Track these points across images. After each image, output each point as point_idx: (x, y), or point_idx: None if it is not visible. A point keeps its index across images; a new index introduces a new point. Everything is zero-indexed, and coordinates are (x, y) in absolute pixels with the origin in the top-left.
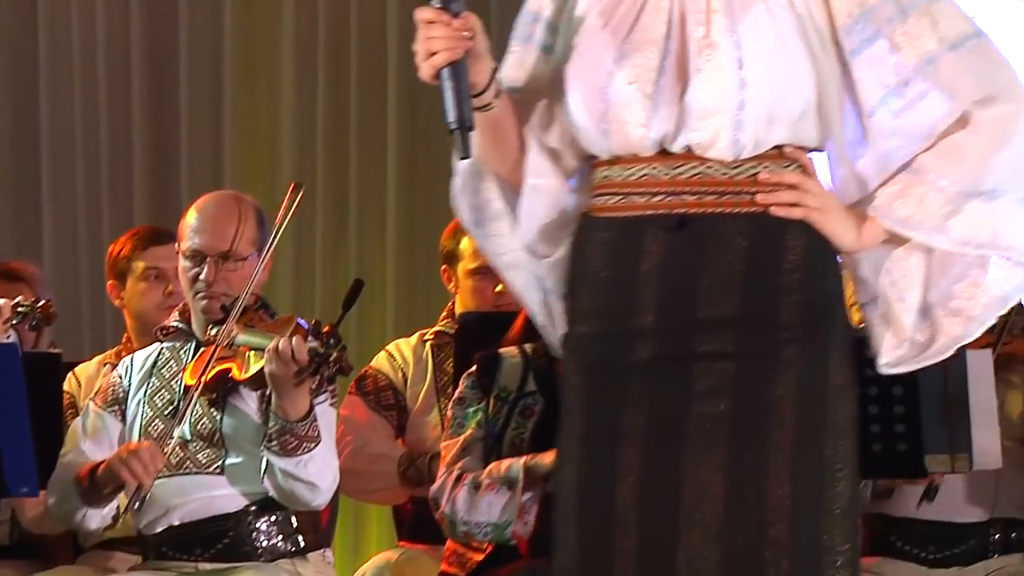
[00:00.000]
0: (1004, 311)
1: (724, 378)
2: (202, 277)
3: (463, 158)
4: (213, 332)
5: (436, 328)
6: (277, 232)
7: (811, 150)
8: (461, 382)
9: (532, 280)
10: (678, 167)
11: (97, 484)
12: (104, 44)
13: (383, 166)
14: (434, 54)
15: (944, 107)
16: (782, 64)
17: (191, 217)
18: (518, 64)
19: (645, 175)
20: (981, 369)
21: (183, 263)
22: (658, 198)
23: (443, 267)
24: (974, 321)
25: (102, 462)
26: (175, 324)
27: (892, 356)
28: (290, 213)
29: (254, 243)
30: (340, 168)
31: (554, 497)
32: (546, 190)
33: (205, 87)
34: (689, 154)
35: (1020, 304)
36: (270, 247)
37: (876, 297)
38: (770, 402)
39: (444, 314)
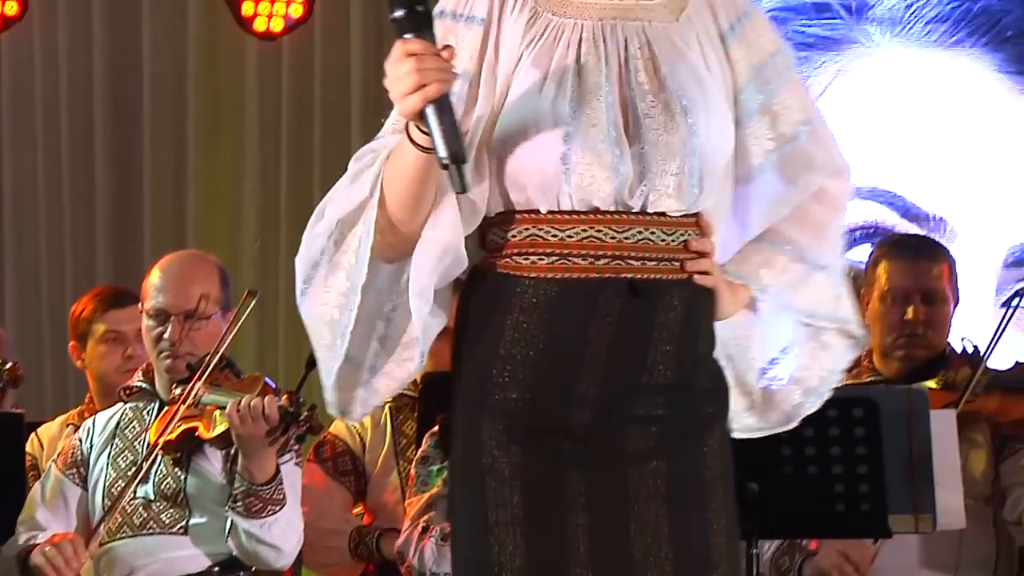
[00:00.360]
0: (839, 383)
1: (657, 438)
2: (166, 336)
3: (460, 192)
4: (178, 391)
5: None
6: (228, 334)
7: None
8: (424, 441)
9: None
10: (625, 230)
11: (29, 569)
12: (67, 104)
13: None
14: (423, 87)
15: (808, 181)
16: (717, 117)
17: (154, 277)
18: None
19: (589, 237)
20: (945, 429)
21: (147, 322)
22: (603, 261)
23: None
24: (813, 393)
25: (34, 546)
26: (139, 384)
27: (741, 422)
28: (241, 320)
29: (218, 302)
30: (303, 227)
31: (484, 564)
32: (441, 242)
33: (169, 147)
34: (636, 216)
35: (984, 364)
36: (227, 336)
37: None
38: (701, 455)
39: None
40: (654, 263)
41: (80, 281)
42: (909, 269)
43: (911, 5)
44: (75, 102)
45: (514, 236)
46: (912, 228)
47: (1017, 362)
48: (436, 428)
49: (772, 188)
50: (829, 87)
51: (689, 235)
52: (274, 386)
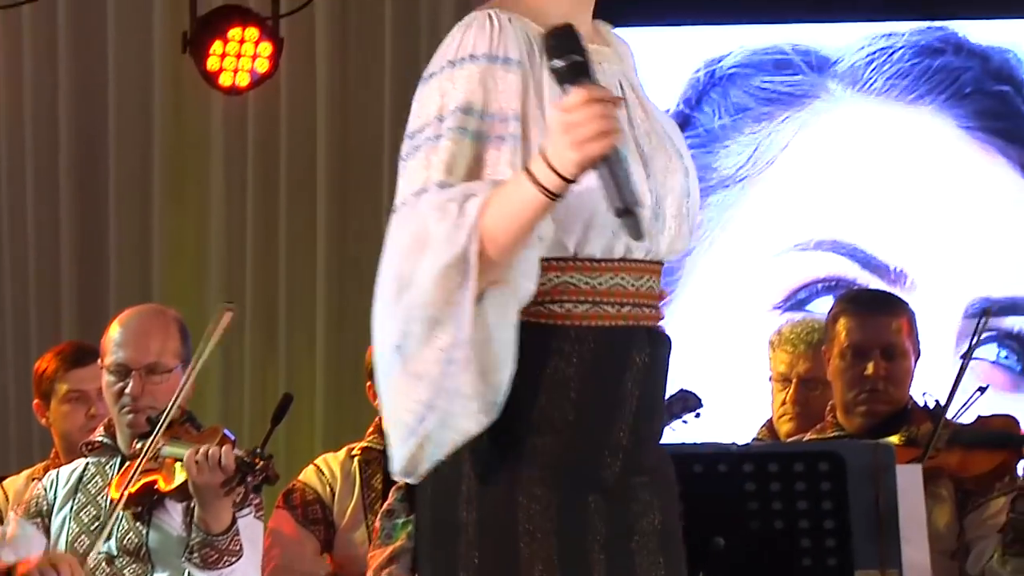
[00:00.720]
0: None
1: (653, 489)
2: (127, 391)
3: (638, 239)
4: (139, 446)
5: (363, 443)
6: (203, 350)
7: None
8: (391, 494)
9: None
10: (639, 279)
11: None
12: (32, 157)
13: (312, 281)
14: (608, 134)
15: None
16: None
17: (114, 331)
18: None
19: (614, 284)
20: (911, 483)
21: (107, 378)
22: (627, 309)
23: (368, 383)
24: None
25: (22, 562)
26: (100, 439)
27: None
28: (217, 334)
29: (178, 356)
30: (269, 283)
31: None
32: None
33: (134, 202)
34: (647, 264)
35: (944, 418)
36: (195, 365)
37: None
38: (676, 506)
39: (371, 429)
40: (653, 310)
41: (45, 335)
42: (867, 324)
43: (872, 61)
44: (40, 155)
45: (544, 284)
46: (873, 280)
47: (979, 416)
48: (403, 482)
49: None
50: (791, 142)
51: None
52: (232, 437)
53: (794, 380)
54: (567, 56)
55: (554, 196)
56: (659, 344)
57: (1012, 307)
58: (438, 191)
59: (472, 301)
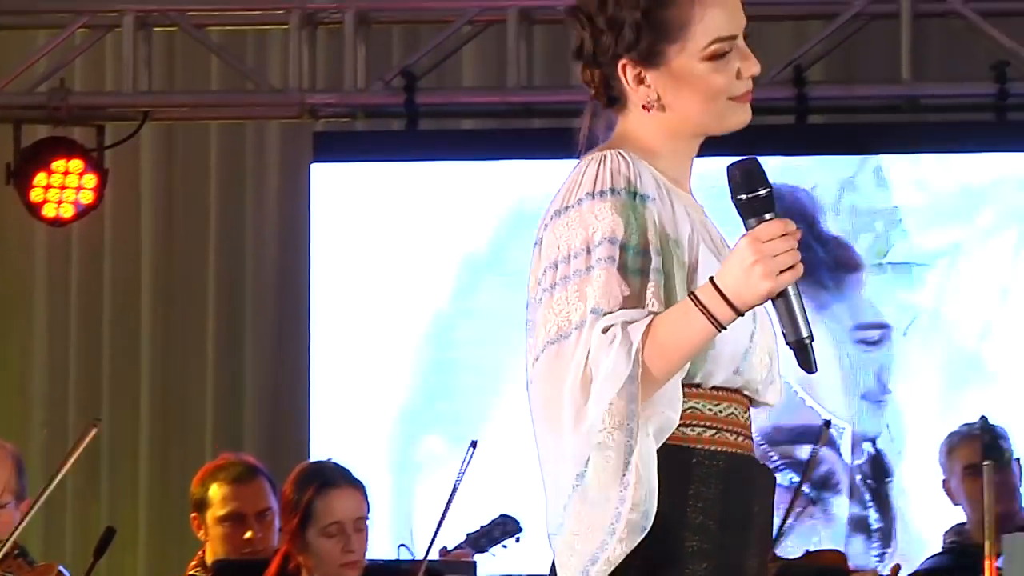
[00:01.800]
0: None
1: None
2: None
3: (811, 372)
4: None
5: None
6: (60, 473)
7: None
8: None
9: None
10: (747, 412)
11: None
12: None
13: (136, 414)
14: (795, 267)
15: None
16: None
17: None
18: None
19: (731, 414)
20: None
21: None
22: (740, 438)
23: (193, 514)
24: None
25: None
26: None
27: None
28: (79, 449)
29: (13, 491)
30: (92, 415)
31: None
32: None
33: None
34: (749, 398)
35: (774, 552)
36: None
37: None
38: None
39: (194, 562)
40: (751, 442)
41: None
42: None
43: None
44: None
45: None
46: None
47: (807, 551)
48: None
49: None
50: None
51: None
52: (68, 574)
53: None
54: (754, 190)
55: (722, 327)
56: (771, 476)
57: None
58: (597, 320)
59: (640, 426)
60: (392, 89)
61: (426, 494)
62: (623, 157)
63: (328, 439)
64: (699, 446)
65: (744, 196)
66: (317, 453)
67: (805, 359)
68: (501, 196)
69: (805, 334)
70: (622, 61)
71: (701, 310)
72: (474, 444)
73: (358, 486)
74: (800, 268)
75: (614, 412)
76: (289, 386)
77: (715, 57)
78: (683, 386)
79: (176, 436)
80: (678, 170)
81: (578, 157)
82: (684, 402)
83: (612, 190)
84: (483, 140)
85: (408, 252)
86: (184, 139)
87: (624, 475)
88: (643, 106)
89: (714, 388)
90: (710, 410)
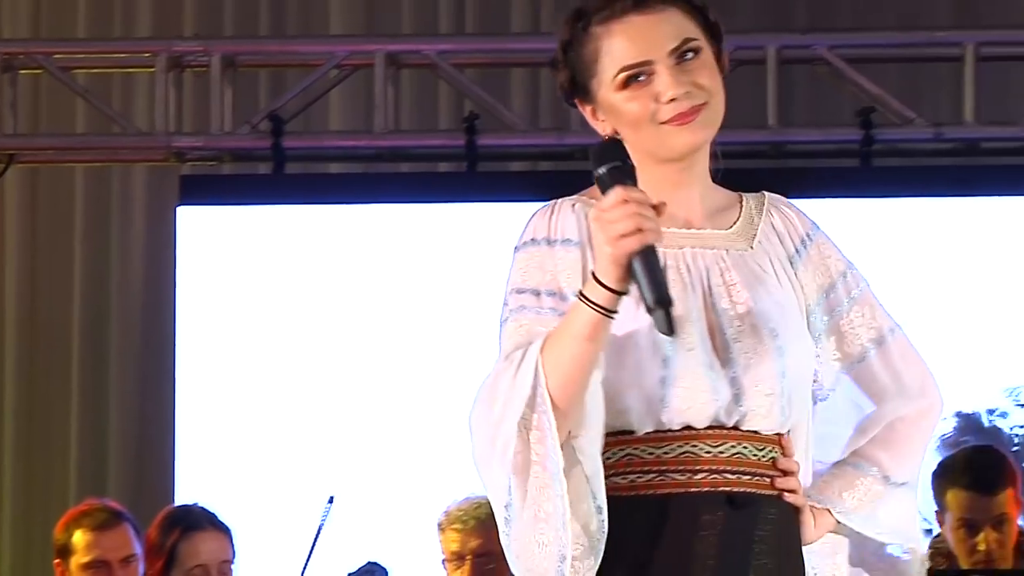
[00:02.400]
0: None
1: None
2: None
3: (668, 334)
4: None
5: None
6: None
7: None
8: None
9: None
10: (719, 445)
11: None
12: None
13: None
14: (641, 231)
15: (884, 404)
16: (802, 340)
17: None
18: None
19: (685, 453)
20: None
21: None
22: (700, 476)
23: (56, 560)
24: None
25: None
26: None
27: None
28: None
29: None
30: None
31: None
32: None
33: None
34: (730, 431)
35: None
36: None
37: None
38: None
39: None
40: (748, 477)
41: None
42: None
43: None
44: None
45: (609, 458)
46: None
47: None
48: None
49: (843, 411)
50: None
51: (776, 452)
52: None
53: (469, 557)
54: (609, 163)
55: (606, 311)
56: (750, 509)
57: None
58: (501, 361)
59: (555, 439)
60: (259, 132)
61: (291, 540)
62: (551, 207)
63: (193, 484)
64: (631, 494)
65: (600, 170)
66: (182, 498)
67: (659, 322)
68: (368, 240)
69: (654, 299)
70: (575, 100)
71: (580, 298)
72: (331, 499)
73: (223, 530)
74: (647, 234)
75: (530, 425)
76: (154, 431)
77: (626, 86)
78: (617, 435)
79: (40, 481)
80: (664, 196)
81: (446, 201)
82: (620, 450)
83: (532, 240)
84: (350, 184)
85: (274, 296)
86: (49, 182)
87: (553, 487)
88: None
89: (656, 432)
90: (651, 454)
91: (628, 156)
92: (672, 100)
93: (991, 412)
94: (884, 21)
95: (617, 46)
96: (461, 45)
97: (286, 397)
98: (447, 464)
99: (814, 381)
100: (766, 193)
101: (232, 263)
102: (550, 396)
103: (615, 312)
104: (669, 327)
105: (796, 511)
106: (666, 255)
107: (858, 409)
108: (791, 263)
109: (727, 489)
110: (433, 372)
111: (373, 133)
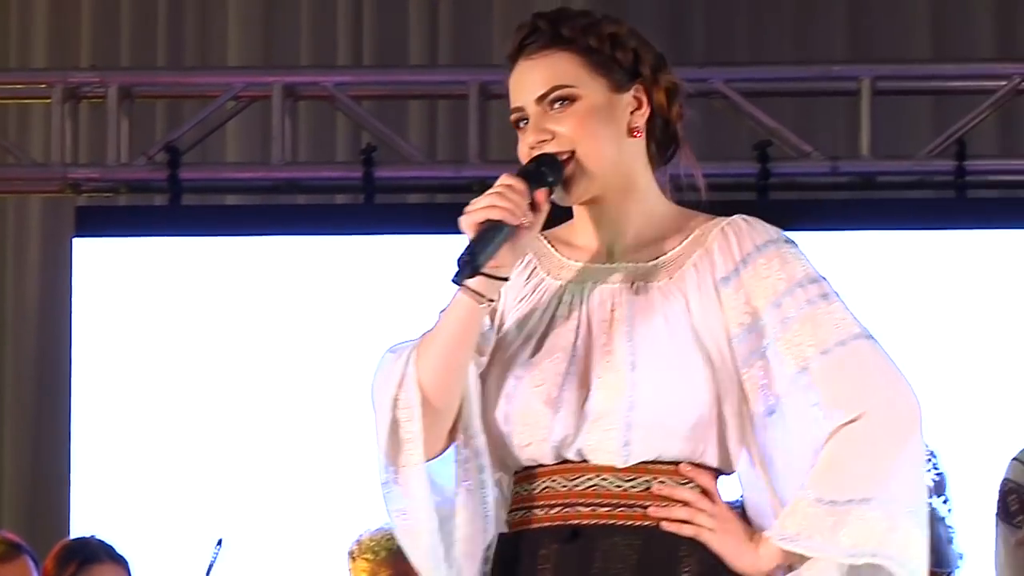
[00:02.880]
0: None
1: None
2: None
3: (454, 281)
4: None
5: None
6: None
7: (714, 470)
8: None
9: None
10: (575, 478)
11: None
12: None
13: None
14: (493, 208)
15: (820, 425)
16: (673, 371)
17: None
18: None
19: (546, 487)
20: None
21: None
22: (555, 510)
23: None
24: None
25: None
26: None
27: None
28: None
29: None
30: None
31: None
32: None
33: None
34: (585, 464)
35: None
36: None
37: None
38: None
39: None
40: (606, 508)
41: None
42: None
43: None
44: None
45: (511, 494)
46: None
47: None
48: None
49: (783, 432)
50: None
51: (660, 481)
52: None
53: None
54: (539, 165)
55: (477, 293)
56: (588, 540)
57: None
58: None
59: (421, 431)
60: (155, 164)
61: (188, 571)
62: None
63: (89, 516)
64: (507, 531)
65: (529, 166)
66: (77, 530)
67: (456, 274)
68: (265, 273)
69: (464, 255)
70: None
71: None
72: (220, 542)
73: (121, 562)
74: (496, 210)
75: (390, 413)
76: (49, 462)
77: (516, 127)
78: (516, 472)
79: None
80: (584, 232)
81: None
82: (516, 486)
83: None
84: (247, 216)
85: (171, 329)
86: None
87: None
88: None
89: (525, 469)
90: (525, 490)
91: (560, 171)
92: (531, 149)
93: None
94: (780, 55)
95: (511, 89)
96: (359, 77)
97: (182, 429)
98: (347, 499)
99: (749, 407)
100: (736, 216)
101: (128, 295)
102: (418, 378)
103: (473, 290)
104: (459, 277)
105: (689, 541)
106: (564, 288)
107: (816, 427)
108: (716, 289)
109: (576, 522)
110: (331, 405)
111: (270, 165)
